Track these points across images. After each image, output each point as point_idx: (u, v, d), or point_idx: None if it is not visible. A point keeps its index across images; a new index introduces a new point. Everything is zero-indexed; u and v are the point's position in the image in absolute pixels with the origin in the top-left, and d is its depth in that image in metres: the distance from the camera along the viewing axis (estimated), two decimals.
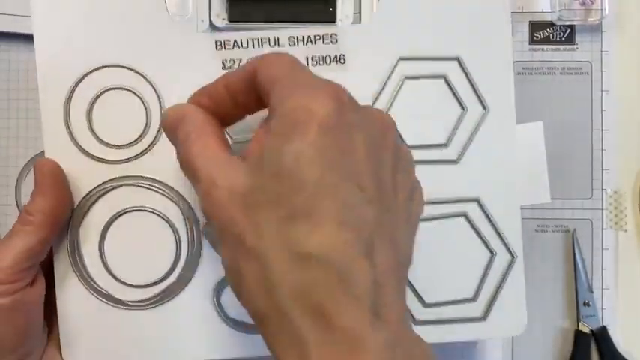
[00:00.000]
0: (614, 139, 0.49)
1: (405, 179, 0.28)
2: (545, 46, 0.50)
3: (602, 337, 0.48)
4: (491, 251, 0.37)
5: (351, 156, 0.24)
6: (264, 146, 0.24)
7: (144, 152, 0.35)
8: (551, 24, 0.50)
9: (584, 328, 0.48)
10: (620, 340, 0.48)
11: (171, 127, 0.29)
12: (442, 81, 0.37)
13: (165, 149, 0.34)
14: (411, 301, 0.36)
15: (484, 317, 0.37)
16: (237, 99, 0.28)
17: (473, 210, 0.37)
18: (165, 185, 0.35)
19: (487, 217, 0.37)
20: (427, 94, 0.37)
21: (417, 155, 0.35)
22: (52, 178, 0.33)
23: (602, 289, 0.49)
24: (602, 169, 0.49)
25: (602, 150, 0.49)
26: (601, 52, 0.50)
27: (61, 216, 0.33)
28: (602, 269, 0.49)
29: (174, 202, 0.36)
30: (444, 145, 0.37)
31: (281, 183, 0.23)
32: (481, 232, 0.37)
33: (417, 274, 0.36)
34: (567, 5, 0.49)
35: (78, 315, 0.35)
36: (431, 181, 0.35)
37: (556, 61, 0.50)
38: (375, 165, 0.25)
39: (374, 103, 0.36)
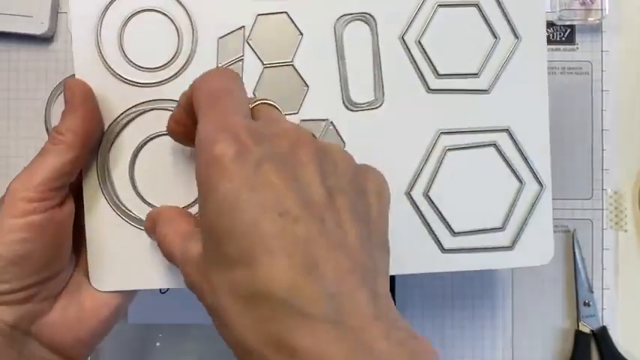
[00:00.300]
0: (614, 139, 0.49)
1: (340, 182, 0.27)
2: None
3: (602, 337, 0.48)
4: (520, 181, 0.37)
5: (264, 188, 0.25)
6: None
7: (175, 75, 0.35)
8: (552, 24, 0.50)
9: (584, 328, 0.48)
10: (620, 340, 0.48)
11: (151, 229, 0.33)
12: (475, 9, 0.37)
13: (197, 72, 0.34)
14: (440, 230, 0.36)
15: (511, 246, 0.37)
16: (194, 120, 0.29)
17: (503, 139, 0.37)
18: None
19: (517, 146, 0.37)
20: (460, 23, 0.37)
21: (449, 84, 0.36)
22: (82, 97, 0.33)
23: (602, 289, 0.49)
24: (602, 169, 0.49)
25: (602, 150, 0.49)
26: (601, 52, 0.50)
27: (91, 135, 0.33)
28: (602, 269, 0.49)
29: None
30: (476, 75, 0.37)
31: (213, 240, 0.25)
32: (510, 162, 0.37)
33: (447, 202, 0.36)
34: (567, 5, 0.49)
35: (106, 239, 0.35)
36: (461, 110, 0.36)
37: (556, 61, 0.50)
38: (292, 185, 0.25)
39: (406, 29, 0.37)
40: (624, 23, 0.50)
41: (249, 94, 0.36)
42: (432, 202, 0.36)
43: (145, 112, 0.35)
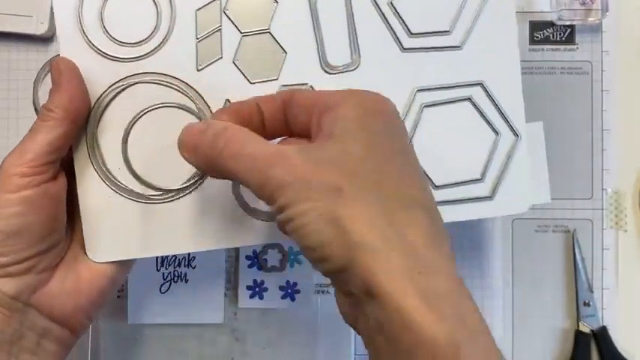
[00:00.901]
0: (614, 139, 0.49)
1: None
2: (545, 46, 0.50)
3: (602, 337, 0.48)
4: (496, 132, 0.38)
5: (406, 139, 0.31)
6: (331, 136, 0.28)
7: (156, 49, 0.36)
8: (551, 24, 0.50)
9: (584, 328, 0.48)
10: (620, 340, 0.48)
11: (214, 140, 0.30)
12: None
13: (177, 44, 0.36)
14: None
15: (491, 197, 0.38)
16: (268, 117, 0.32)
17: (477, 93, 0.38)
18: (181, 81, 0.36)
19: (491, 99, 0.38)
20: None
21: (422, 43, 0.37)
22: (68, 74, 0.35)
23: (602, 289, 0.49)
24: (603, 169, 0.49)
25: (602, 150, 0.49)
26: (601, 52, 0.50)
27: (79, 111, 0.35)
28: (602, 269, 0.49)
29: (188, 96, 0.36)
30: (448, 32, 0.38)
31: (366, 149, 0.28)
32: (486, 115, 0.38)
33: (427, 157, 0.36)
34: (567, 5, 0.49)
35: (98, 210, 0.36)
36: (436, 67, 0.37)
37: (556, 61, 0.50)
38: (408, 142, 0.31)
39: None
40: (624, 23, 0.50)
41: (230, 63, 0.37)
42: None
43: (129, 85, 0.36)
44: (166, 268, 0.46)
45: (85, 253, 0.36)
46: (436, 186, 0.37)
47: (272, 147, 0.29)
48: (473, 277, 0.49)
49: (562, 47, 0.50)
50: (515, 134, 0.38)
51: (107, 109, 0.36)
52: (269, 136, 0.32)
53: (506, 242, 0.49)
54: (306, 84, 0.37)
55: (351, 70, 0.37)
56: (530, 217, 0.49)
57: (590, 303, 0.48)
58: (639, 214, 0.49)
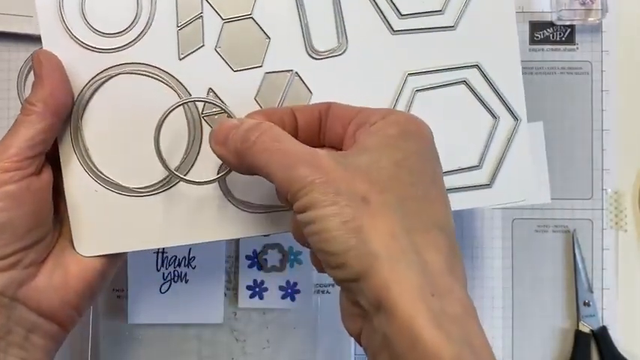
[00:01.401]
0: (614, 139, 0.49)
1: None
2: (545, 46, 0.50)
3: (602, 337, 0.48)
4: (494, 116, 0.36)
5: (438, 165, 0.31)
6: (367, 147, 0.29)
7: (137, 39, 0.36)
8: (551, 24, 0.50)
9: (584, 328, 0.48)
10: (620, 340, 0.48)
11: (247, 135, 0.30)
12: None
13: (158, 34, 0.35)
14: None
15: (490, 184, 0.36)
16: (302, 126, 0.32)
17: (473, 76, 0.36)
18: (163, 71, 0.36)
19: (488, 81, 0.36)
20: None
21: (413, 24, 0.36)
22: (50, 68, 0.34)
23: (602, 289, 0.49)
24: (602, 169, 0.49)
25: (602, 150, 0.49)
26: (601, 52, 0.50)
27: (61, 104, 0.34)
28: (602, 269, 0.49)
29: (170, 86, 0.36)
30: (440, 12, 0.36)
31: (399, 167, 0.28)
32: (483, 98, 0.36)
33: None
34: (567, 5, 0.49)
35: (85, 204, 0.35)
36: (428, 49, 0.36)
37: (556, 61, 0.50)
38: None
39: None
40: (624, 23, 0.50)
41: (212, 51, 0.36)
42: None
43: (111, 77, 0.36)
44: (166, 268, 0.46)
45: (73, 247, 0.36)
46: None
47: (305, 147, 0.29)
48: (473, 277, 0.49)
49: (562, 47, 0.50)
50: (515, 118, 0.37)
51: (90, 102, 0.36)
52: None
53: (506, 242, 0.49)
54: (291, 70, 0.36)
55: (338, 55, 0.36)
56: (530, 217, 0.49)
57: (590, 303, 0.48)
58: (639, 214, 0.49)
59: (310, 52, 0.36)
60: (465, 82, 0.36)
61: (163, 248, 0.46)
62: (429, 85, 0.36)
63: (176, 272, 0.46)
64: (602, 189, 0.49)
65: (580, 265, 0.48)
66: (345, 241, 0.26)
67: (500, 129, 0.36)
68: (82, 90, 0.35)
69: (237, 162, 0.31)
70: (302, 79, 0.36)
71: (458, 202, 0.35)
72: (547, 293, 0.49)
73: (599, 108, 0.50)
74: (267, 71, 0.36)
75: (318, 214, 0.26)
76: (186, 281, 0.47)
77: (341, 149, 0.31)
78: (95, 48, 0.35)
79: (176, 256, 0.47)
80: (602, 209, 0.49)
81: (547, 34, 0.50)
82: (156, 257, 0.46)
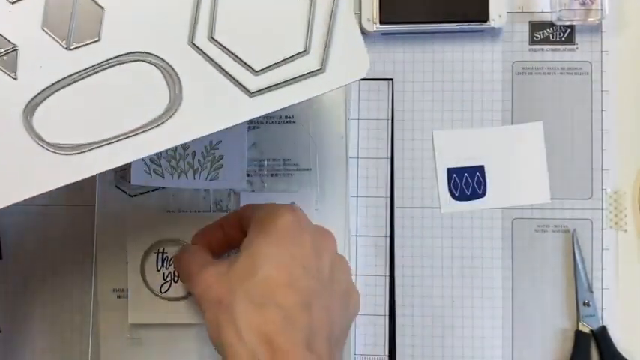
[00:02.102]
0: (614, 139, 0.49)
1: (341, 278, 0.40)
2: (545, 46, 0.50)
3: (602, 337, 0.48)
4: None
5: (299, 247, 0.37)
6: (240, 247, 0.39)
7: None
8: (551, 24, 0.50)
9: (584, 328, 0.48)
10: (620, 340, 0.48)
11: (176, 260, 0.45)
12: None
13: None
14: (239, 73, 0.32)
15: (322, 68, 0.33)
16: (228, 233, 0.43)
17: None
18: None
19: None
20: None
21: None
22: None
23: (602, 289, 0.49)
24: (602, 169, 0.49)
25: (602, 150, 0.49)
26: (601, 52, 0.50)
27: None
28: (602, 269, 0.49)
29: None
30: None
31: (249, 262, 0.37)
32: None
33: (237, 40, 0.33)
34: (567, 5, 0.49)
35: None
36: None
37: (556, 61, 0.50)
38: (316, 257, 0.38)
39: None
40: (624, 23, 0.50)
41: (39, 31, 0.33)
42: (221, 45, 0.33)
43: None
44: (166, 268, 0.46)
45: None
46: (256, 71, 0.32)
47: (198, 267, 0.40)
48: (473, 277, 0.49)
49: (562, 47, 0.50)
50: None
51: None
52: (229, 244, 0.43)
53: (506, 242, 0.49)
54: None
55: None
56: (530, 217, 0.49)
57: (590, 303, 0.48)
58: (639, 214, 0.49)
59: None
60: None
61: (163, 248, 0.46)
62: None
63: (176, 272, 0.46)
64: (602, 189, 0.49)
65: (580, 265, 0.48)
66: (211, 334, 0.38)
67: (320, 5, 0.33)
68: None
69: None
70: None
71: (293, 95, 0.33)
72: (547, 293, 0.49)
73: (598, 108, 0.50)
74: (109, 46, 0.33)
75: (204, 316, 0.39)
76: None
77: None
78: None
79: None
80: (602, 209, 0.49)
81: (547, 34, 0.50)
82: (156, 257, 0.46)
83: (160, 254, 0.46)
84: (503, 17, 0.48)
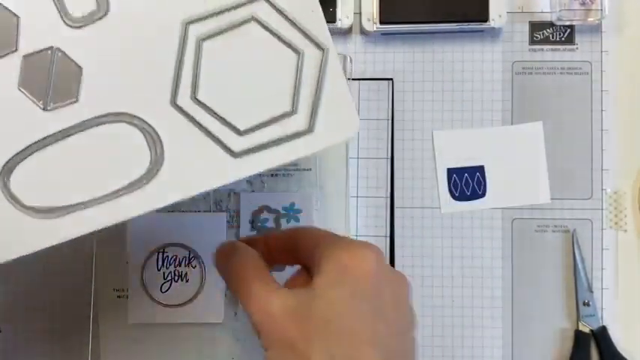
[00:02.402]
0: (614, 139, 0.49)
1: (412, 330, 0.36)
2: (545, 46, 0.50)
3: (602, 337, 0.48)
4: (296, 51, 0.32)
5: (381, 299, 0.34)
6: (314, 286, 0.33)
7: None
8: (551, 24, 0.50)
9: (584, 328, 0.48)
10: (620, 340, 0.48)
11: (222, 257, 0.37)
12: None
13: None
14: (222, 133, 0.32)
15: (311, 128, 0.32)
16: (272, 252, 0.38)
17: (262, 10, 0.32)
18: None
19: (280, 13, 0.32)
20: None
21: None
22: None
23: (602, 289, 0.49)
24: (602, 169, 0.49)
25: (601, 150, 0.49)
26: (601, 52, 0.50)
27: None
28: (602, 269, 0.49)
29: None
30: None
31: (329, 309, 0.32)
32: (279, 33, 0.32)
33: (221, 100, 0.32)
34: (567, 5, 0.49)
35: None
36: None
37: (556, 61, 0.50)
38: (395, 311, 0.35)
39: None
40: (624, 23, 0.50)
41: (17, 90, 0.32)
42: (204, 105, 0.32)
43: None
44: (167, 268, 0.46)
45: None
46: (241, 131, 0.32)
47: (255, 279, 0.35)
48: (473, 277, 0.49)
49: (562, 47, 0.50)
50: (320, 47, 0.32)
51: None
52: (271, 266, 0.38)
53: (506, 242, 0.49)
54: (50, 47, 0.31)
55: (100, 18, 0.31)
56: (530, 217, 0.49)
57: (590, 303, 0.48)
58: (639, 214, 0.49)
59: (67, 21, 0.31)
60: (253, 19, 0.32)
61: (164, 248, 0.46)
62: (214, 31, 0.32)
63: (176, 272, 0.46)
64: (602, 189, 0.49)
65: (580, 265, 0.48)
66: None
67: (307, 64, 0.32)
68: None
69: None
70: (67, 55, 0.32)
71: (278, 156, 0.32)
72: (547, 293, 0.49)
73: (598, 108, 0.50)
74: (25, 54, 0.31)
75: (267, 353, 0.33)
76: (187, 281, 0.47)
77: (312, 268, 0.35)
78: None
79: (176, 256, 0.47)
80: (602, 209, 0.49)
81: (547, 34, 0.50)
82: (156, 257, 0.46)
83: (161, 254, 0.46)
84: (503, 17, 0.48)
